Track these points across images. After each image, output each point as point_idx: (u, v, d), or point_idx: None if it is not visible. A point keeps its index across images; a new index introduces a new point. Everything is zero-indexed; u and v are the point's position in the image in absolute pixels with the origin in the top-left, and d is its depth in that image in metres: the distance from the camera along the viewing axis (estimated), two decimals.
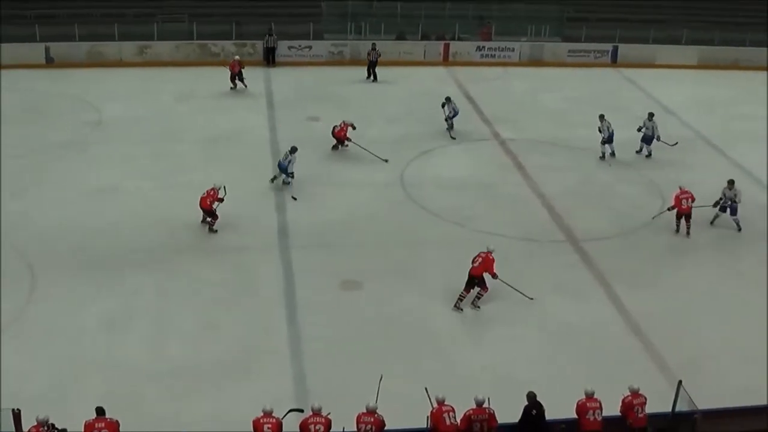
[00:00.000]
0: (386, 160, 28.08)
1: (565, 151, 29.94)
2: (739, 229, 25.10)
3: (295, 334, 19.12)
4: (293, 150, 25.90)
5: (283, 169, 25.82)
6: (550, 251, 23.45)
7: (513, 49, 40.93)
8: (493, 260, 20.20)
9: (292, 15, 40.11)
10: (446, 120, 30.66)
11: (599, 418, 15.08)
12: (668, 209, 24.82)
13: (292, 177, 25.87)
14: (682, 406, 15.18)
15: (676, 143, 30.16)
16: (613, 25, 41.28)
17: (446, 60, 40.42)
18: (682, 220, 24.63)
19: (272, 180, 26.19)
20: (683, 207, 24.46)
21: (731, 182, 25.08)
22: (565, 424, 15.27)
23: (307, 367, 17.99)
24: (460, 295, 20.36)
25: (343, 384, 17.10)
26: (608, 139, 28.99)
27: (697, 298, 21.58)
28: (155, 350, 18.32)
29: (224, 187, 23.36)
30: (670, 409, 15.40)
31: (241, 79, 34.99)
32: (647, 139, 29.80)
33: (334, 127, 28.79)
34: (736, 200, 24.91)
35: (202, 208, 23.17)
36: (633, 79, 38.89)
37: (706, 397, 15.64)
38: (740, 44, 41.89)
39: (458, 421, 14.82)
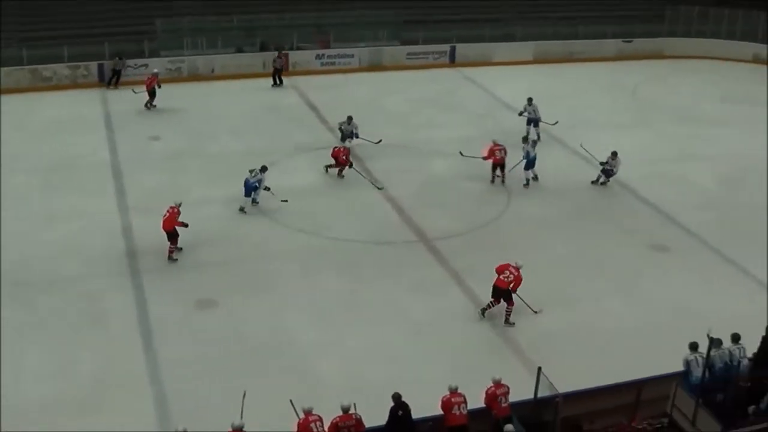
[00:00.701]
0: (381, 188, 27.49)
1: (411, 153, 30.13)
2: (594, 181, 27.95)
3: (152, 359, 18.57)
4: (264, 169, 25.47)
5: (250, 187, 25.28)
6: (403, 252, 23.56)
7: (352, 56, 41.12)
8: (521, 279, 20.16)
9: (126, 33, 39.16)
10: (345, 135, 30.40)
11: (465, 412, 15.20)
12: (482, 158, 27.18)
13: (269, 190, 25.36)
14: (543, 392, 15.40)
15: (557, 122, 31.68)
16: (450, 25, 41.93)
17: (286, 70, 40.22)
18: (498, 171, 27.45)
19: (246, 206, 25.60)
20: (497, 158, 27.52)
21: (614, 153, 27.75)
22: (431, 421, 15.33)
23: (168, 392, 17.48)
24: (490, 304, 20.39)
25: (207, 404, 16.73)
26: (531, 164, 27.92)
27: (548, 286, 21.99)
28: (4, 391, 17.40)
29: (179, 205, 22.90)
30: (532, 396, 15.62)
31: (153, 97, 34.16)
32: (534, 122, 31.35)
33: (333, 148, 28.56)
34: (614, 171, 27.66)
35: (165, 230, 22.41)
36: (472, 78, 39.54)
37: (566, 380, 15.93)
38: (573, 38, 43.09)
39: (326, 429, 14.70)
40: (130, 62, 37.66)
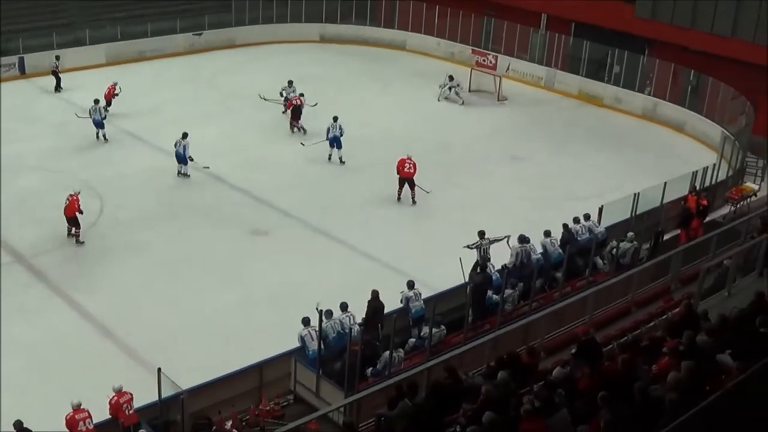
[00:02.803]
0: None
1: None
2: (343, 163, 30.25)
3: None
4: (185, 136, 28.07)
5: (181, 157, 27.95)
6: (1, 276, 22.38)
7: None
8: (416, 164, 26.87)
9: None
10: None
11: (91, 427, 14.93)
12: None
13: (192, 159, 27.93)
14: (167, 391, 15.29)
15: (316, 104, 33.39)
16: (16, 36, 39.85)
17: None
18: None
19: (179, 173, 28.25)
20: None
21: (335, 117, 30.24)
22: None
23: None
24: (399, 193, 27.20)
25: None
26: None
27: (152, 286, 22.07)
28: None
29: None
30: (157, 398, 15.46)
31: None
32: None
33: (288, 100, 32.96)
34: (340, 133, 29.97)
35: (66, 216, 23.70)
36: (46, 88, 37.89)
37: (191, 376, 16.02)
38: (144, 36, 42.60)
39: None
40: None
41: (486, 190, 28.49)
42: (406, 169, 26.96)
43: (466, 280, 19.87)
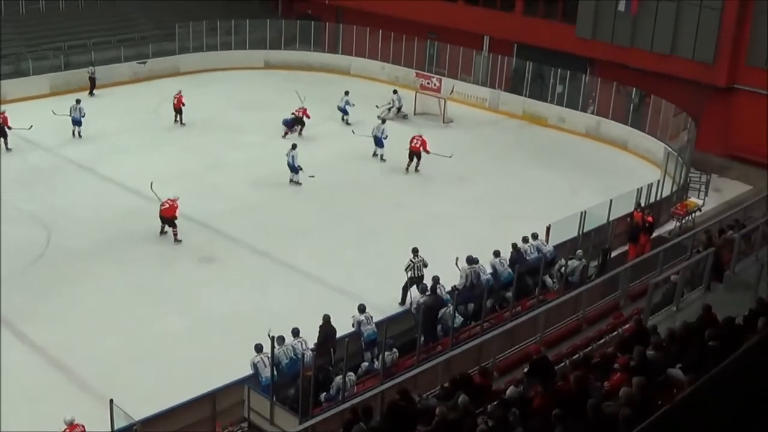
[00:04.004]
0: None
1: None
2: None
3: None
4: (294, 147, 30.44)
5: (292, 166, 30.06)
6: None
7: None
8: (425, 140, 31.61)
9: None
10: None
11: None
12: None
13: (301, 169, 29.99)
14: (120, 423, 15.14)
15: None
16: None
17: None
18: None
19: (291, 181, 30.36)
20: None
21: (384, 120, 33.72)
22: None
23: None
24: (407, 166, 31.86)
25: None
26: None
27: (105, 315, 21.85)
28: None
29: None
30: (110, 429, 15.29)
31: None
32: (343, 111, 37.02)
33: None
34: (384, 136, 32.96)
35: (165, 216, 25.55)
36: None
37: (140, 406, 15.86)
38: (89, 65, 42.15)
39: None
40: None
41: (434, 210, 28.61)
42: (413, 144, 31.67)
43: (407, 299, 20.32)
